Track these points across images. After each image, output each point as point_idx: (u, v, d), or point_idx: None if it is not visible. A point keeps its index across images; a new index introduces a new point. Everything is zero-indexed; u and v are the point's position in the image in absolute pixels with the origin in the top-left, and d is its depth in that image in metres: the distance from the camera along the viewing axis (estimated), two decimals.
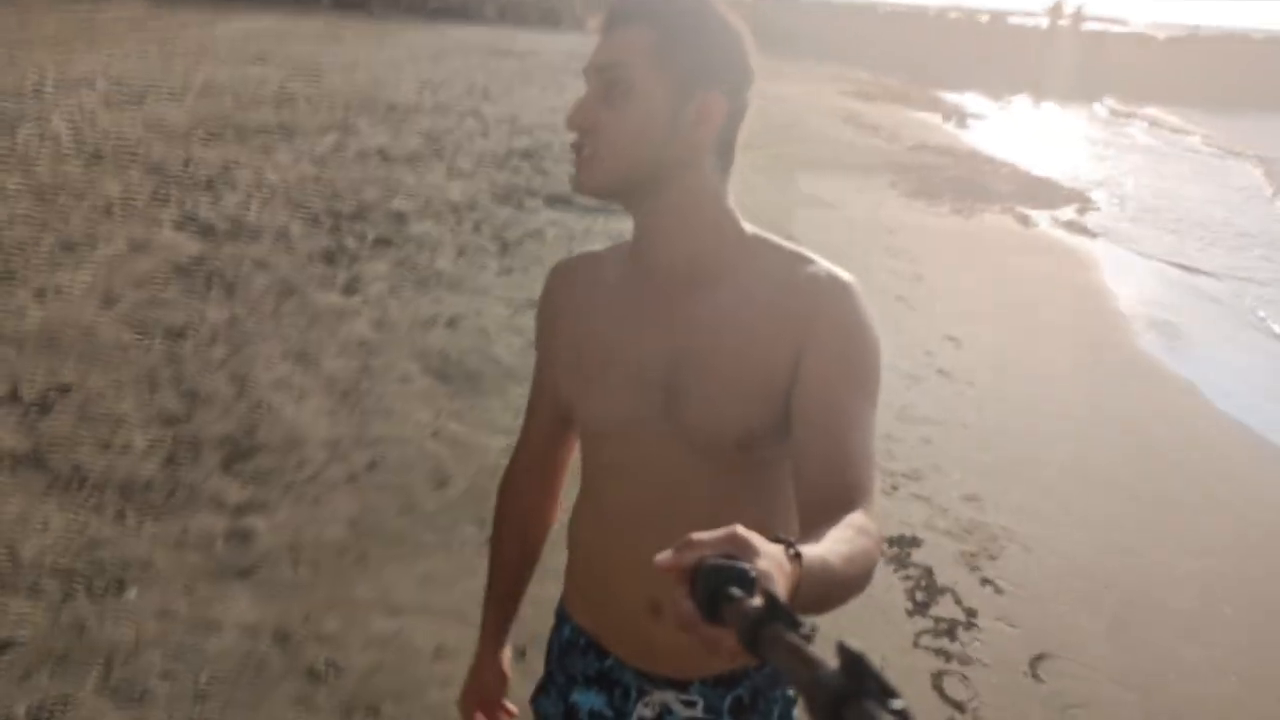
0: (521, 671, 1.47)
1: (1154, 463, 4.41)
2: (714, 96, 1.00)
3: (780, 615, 0.54)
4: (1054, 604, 3.18)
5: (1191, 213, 11.42)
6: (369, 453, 3.54)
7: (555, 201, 7.58)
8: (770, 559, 0.64)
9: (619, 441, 1.11)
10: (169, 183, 6.78)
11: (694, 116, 1.00)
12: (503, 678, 1.34)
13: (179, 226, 5.88)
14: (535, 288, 5.35)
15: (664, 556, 0.63)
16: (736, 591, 0.58)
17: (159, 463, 3.32)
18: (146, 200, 6.32)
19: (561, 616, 1.25)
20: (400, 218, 6.61)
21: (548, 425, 1.24)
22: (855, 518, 0.87)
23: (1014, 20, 31.44)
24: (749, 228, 1.09)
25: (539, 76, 14.94)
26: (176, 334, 4.36)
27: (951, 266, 7.40)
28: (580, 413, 1.14)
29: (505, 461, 1.31)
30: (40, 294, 4.64)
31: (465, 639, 2.53)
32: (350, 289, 5.19)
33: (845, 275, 1.05)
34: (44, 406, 3.60)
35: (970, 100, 21.25)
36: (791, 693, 1.14)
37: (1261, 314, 7.53)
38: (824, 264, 1.06)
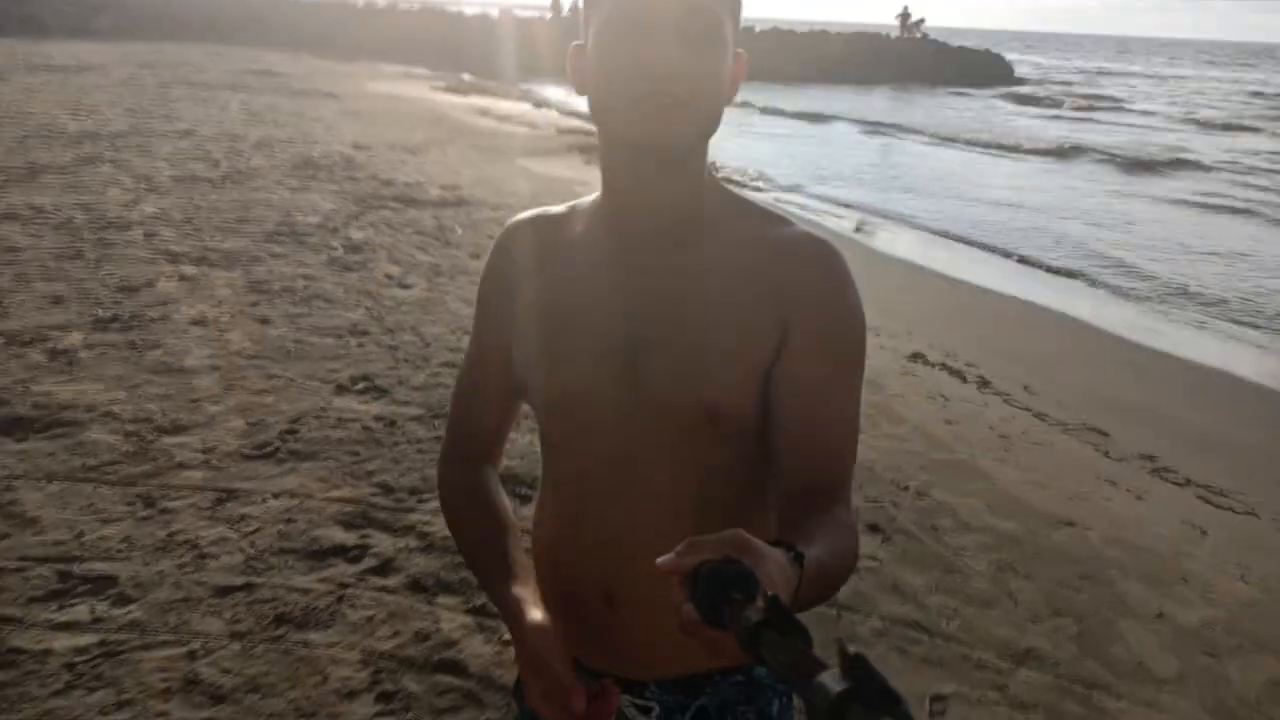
0: None
1: None
2: (742, 55, 0.99)
3: (782, 619, 0.54)
4: None
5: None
6: None
7: (407, 202, 8.66)
8: (773, 562, 0.65)
9: (574, 413, 1.04)
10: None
11: (734, 72, 0.99)
12: (545, 632, 1.00)
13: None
14: None
15: (665, 559, 0.64)
16: (737, 595, 0.59)
17: None
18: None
19: None
20: (329, 229, 7.33)
21: (491, 401, 1.15)
22: (839, 515, 0.90)
23: (521, 13, 35.26)
24: (723, 184, 1.06)
25: (175, 90, 14.30)
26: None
27: None
28: (533, 381, 1.06)
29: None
30: None
31: None
32: (405, 284, 6.17)
33: (827, 240, 1.00)
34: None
35: (538, 86, 24.03)
36: (775, 710, 1.09)
37: None
38: (802, 227, 1.01)
